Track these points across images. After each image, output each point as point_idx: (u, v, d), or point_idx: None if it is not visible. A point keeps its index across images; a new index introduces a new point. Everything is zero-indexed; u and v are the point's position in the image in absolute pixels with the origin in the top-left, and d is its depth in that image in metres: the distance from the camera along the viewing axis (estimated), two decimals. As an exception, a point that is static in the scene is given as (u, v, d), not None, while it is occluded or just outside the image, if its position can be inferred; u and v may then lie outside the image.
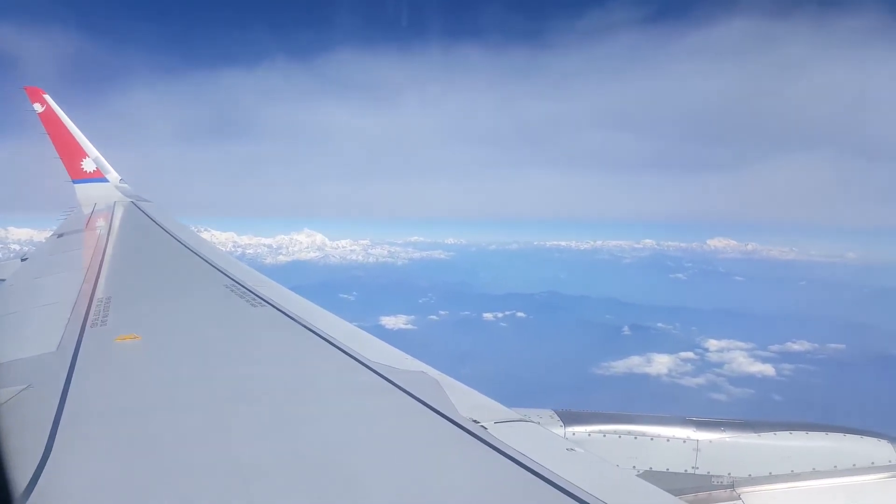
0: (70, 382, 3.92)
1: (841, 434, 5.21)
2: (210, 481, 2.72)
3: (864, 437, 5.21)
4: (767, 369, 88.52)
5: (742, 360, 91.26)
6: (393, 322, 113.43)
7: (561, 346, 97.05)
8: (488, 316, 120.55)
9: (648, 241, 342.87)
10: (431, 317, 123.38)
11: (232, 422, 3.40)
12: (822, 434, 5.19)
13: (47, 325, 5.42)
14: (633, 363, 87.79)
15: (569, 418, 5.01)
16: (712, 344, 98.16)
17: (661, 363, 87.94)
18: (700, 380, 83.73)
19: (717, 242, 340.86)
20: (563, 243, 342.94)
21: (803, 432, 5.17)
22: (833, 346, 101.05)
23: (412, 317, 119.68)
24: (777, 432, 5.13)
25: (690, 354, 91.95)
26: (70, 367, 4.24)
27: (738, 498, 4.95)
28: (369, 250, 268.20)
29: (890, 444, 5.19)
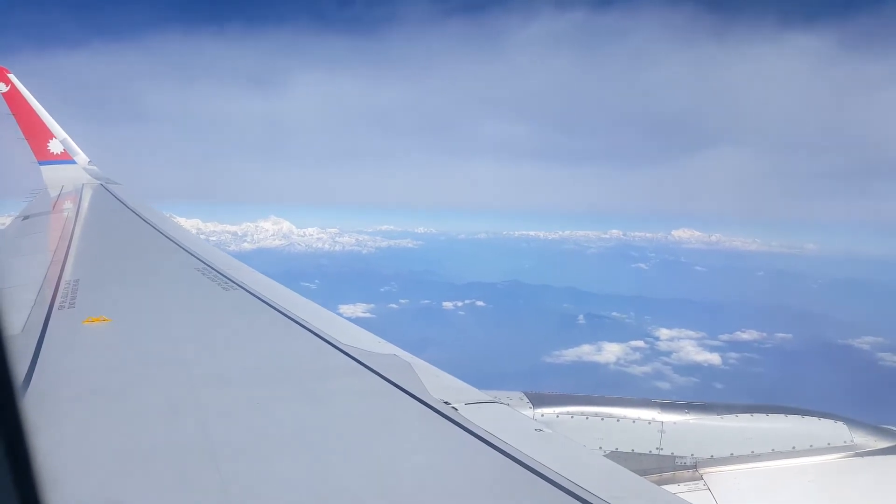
0: (35, 365, 3.84)
1: (799, 416, 5.34)
2: (180, 463, 2.72)
3: (821, 418, 5.34)
4: (714, 358, 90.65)
5: (690, 348, 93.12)
6: (351, 310, 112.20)
7: (515, 335, 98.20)
8: (448, 305, 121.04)
9: (615, 232, 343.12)
10: (391, 305, 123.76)
11: (203, 404, 3.39)
12: (782, 416, 5.32)
13: (11, 308, 5.22)
14: (584, 351, 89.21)
15: (538, 400, 5.13)
16: (663, 333, 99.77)
17: (610, 352, 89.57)
18: (647, 368, 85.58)
19: (681, 233, 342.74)
20: (531, 233, 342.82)
21: (763, 414, 5.30)
22: (781, 335, 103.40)
23: (372, 305, 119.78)
24: (738, 415, 5.26)
25: (641, 343, 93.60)
26: (35, 349, 4.15)
27: (701, 478, 5.05)
28: (337, 238, 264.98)
29: (845, 425, 5.31)
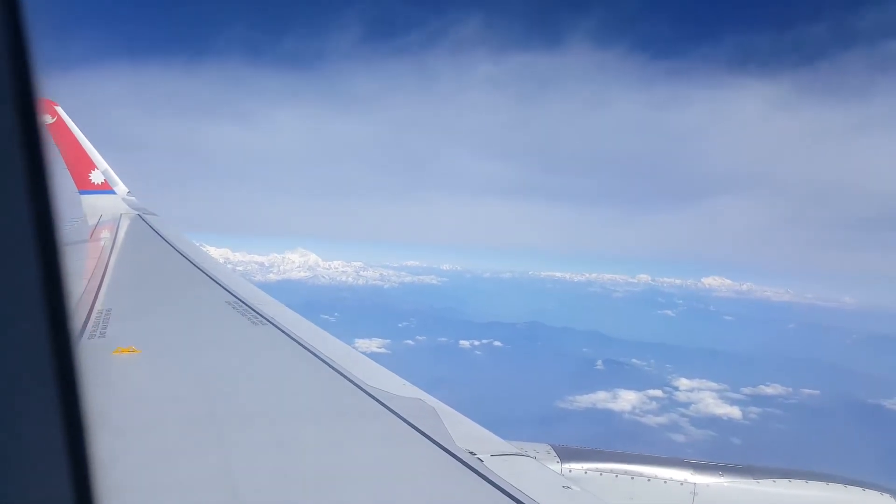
0: None
1: (842, 485, 5.01)
2: (203, 500, 2.73)
3: (867, 489, 5.02)
4: (734, 412, 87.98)
5: (710, 400, 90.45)
6: (367, 345, 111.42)
7: (530, 378, 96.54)
8: (465, 343, 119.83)
9: (644, 277, 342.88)
10: (408, 342, 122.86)
11: (226, 441, 3.40)
12: (823, 484, 5.01)
13: None
14: (598, 398, 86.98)
15: (566, 454, 5.00)
16: (683, 383, 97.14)
17: (626, 400, 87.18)
18: (662, 419, 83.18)
19: (712, 281, 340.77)
20: (557, 274, 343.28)
21: (803, 481, 5.03)
22: (807, 391, 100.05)
23: (388, 341, 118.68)
24: (776, 480, 5.02)
25: (658, 392, 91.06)
26: None
27: None
28: (361, 272, 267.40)
29: (893, 499, 4.99)
